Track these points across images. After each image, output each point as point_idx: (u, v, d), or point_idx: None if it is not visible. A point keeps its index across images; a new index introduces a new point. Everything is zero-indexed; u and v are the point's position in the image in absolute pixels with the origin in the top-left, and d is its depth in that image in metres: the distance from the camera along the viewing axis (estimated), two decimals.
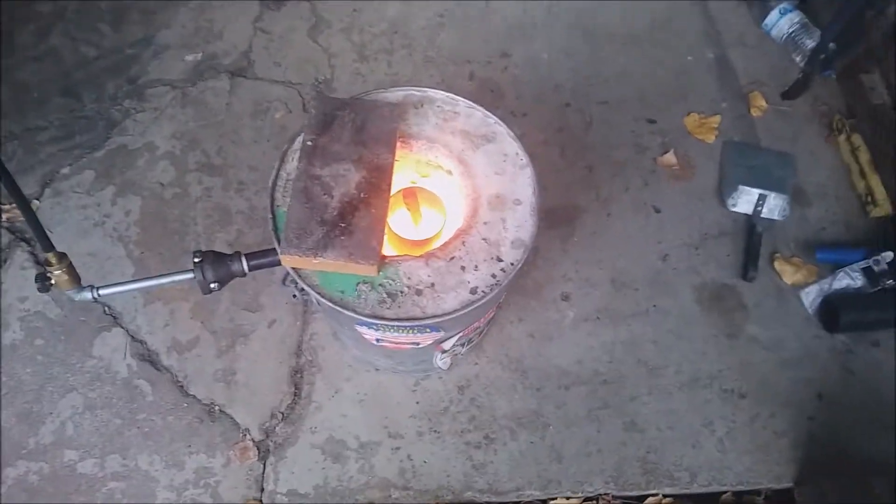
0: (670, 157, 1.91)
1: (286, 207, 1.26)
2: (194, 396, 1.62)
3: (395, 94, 1.40)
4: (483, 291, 1.20)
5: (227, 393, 1.62)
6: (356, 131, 1.29)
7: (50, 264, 1.30)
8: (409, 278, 1.21)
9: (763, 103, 2.00)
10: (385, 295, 1.20)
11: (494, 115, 1.37)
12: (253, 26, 2.11)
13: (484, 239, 1.25)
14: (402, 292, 1.20)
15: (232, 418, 1.60)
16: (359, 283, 1.20)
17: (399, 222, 1.37)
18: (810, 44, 2.02)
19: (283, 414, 1.60)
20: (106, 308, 1.71)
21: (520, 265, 1.23)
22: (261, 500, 1.52)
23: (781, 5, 2.06)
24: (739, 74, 2.07)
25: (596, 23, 2.15)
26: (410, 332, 1.24)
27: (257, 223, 1.81)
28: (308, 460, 1.55)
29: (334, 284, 1.20)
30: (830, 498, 1.47)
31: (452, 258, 1.23)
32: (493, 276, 1.22)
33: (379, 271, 1.19)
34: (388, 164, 1.26)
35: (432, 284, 1.21)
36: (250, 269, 1.40)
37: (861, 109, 1.91)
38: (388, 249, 1.32)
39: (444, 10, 2.15)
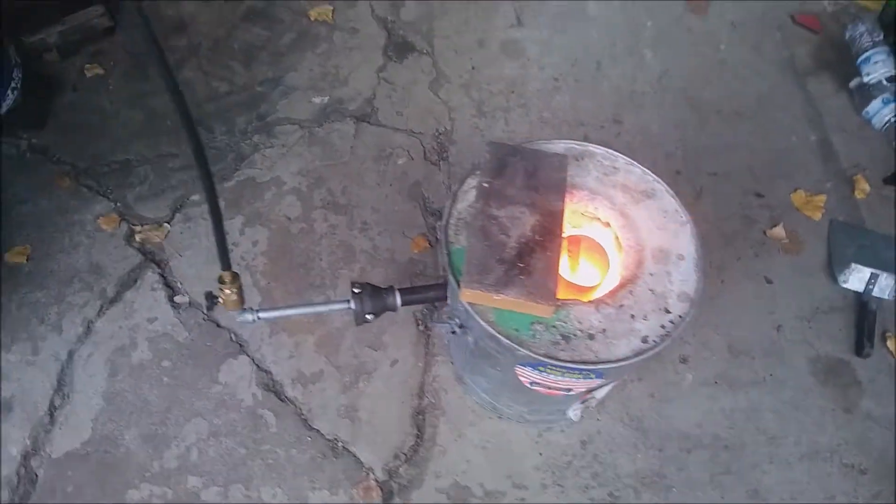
0: (780, 231, 1.97)
1: (460, 245, 1.31)
2: (318, 431, 1.62)
3: (557, 146, 1.46)
4: (654, 341, 1.23)
5: (350, 430, 1.62)
6: (528, 177, 1.34)
7: (223, 282, 1.33)
8: (580, 322, 1.24)
9: (867, 186, 2.07)
10: (559, 336, 1.22)
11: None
12: (377, 76, 2.21)
13: (651, 290, 1.28)
14: (575, 335, 1.23)
15: (355, 456, 1.59)
16: (533, 322, 1.23)
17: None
18: None
19: (406, 455, 1.60)
20: (233, 335, 1.73)
21: (688, 318, 1.26)
22: None
23: (884, 95, 2.15)
24: (841, 158, 2.14)
25: (703, 96, 2.24)
26: (577, 375, 1.26)
27: (380, 262, 1.85)
28: None
29: (509, 322, 1.23)
30: None
31: (622, 306, 1.26)
32: (663, 326, 1.25)
33: (553, 313, 1.22)
34: (559, 210, 1.31)
35: (604, 330, 1.24)
36: (402, 304, 1.44)
37: None
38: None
39: (559, 74, 2.25)
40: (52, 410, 1.60)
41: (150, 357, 1.68)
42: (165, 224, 1.87)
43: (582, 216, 1.45)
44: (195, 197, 1.92)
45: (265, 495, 1.53)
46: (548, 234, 1.27)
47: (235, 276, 1.36)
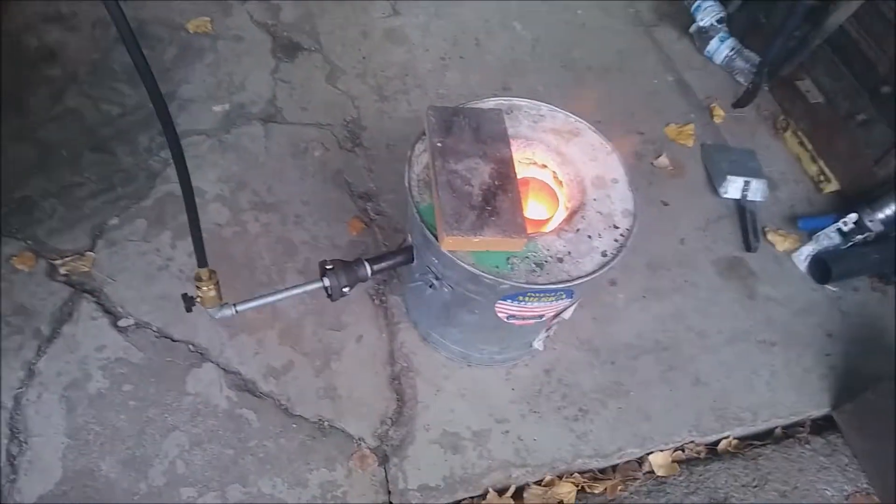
0: (664, 160, 2.24)
1: (426, 203, 1.40)
2: (301, 416, 1.64)
3: (487, 104, 1.59)
4: (612, 253, 1.40)
5: (332, 408, 1.66)
6: (473, 132, 1.46)
7: (201, 280, 1.35)
8: (548, 250, 1.38)
9: (721, 112, 2.41)
10: (534, 265, 1.36)
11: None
12: (272, 77, 2.22)
13: (598, 212, 1.46)
14: (546, 261, 1.36)
15: (343, 431, 1.63)
16: (508, 258, 1.35)
17: None
18: (745, 64, 2.48)
19: (391, 419, 1.66)
20: (191, 346, 1.69)
21: (635, 229, 1.44)
22: (389, 501, 1.56)
23: (719, 34, 2.50)
24: (696, 91, 2.47)
25: (573, 57, 2.49)
26: (552, 298, 1.40)
27: (322, 250, 1.89)
28: (430, 455, 1.61)
29: (488, 261, 1.34)
30: (861, 411, 1.76)
31: (578, 230, 1.42)
32: (615, 240, 1.42)
33: (524, 246, 1.35)
34: (508, 156, 1.44)
35: (569, 252, 1.39)
36: (373, 273, 1.51)
37: (798, 110, 2.36)
38: None
39: (444, 54, 2.40)
40: (10, 460, 1.49)
41: (107, 385, 1.61)
42: (89, 252, 1.79)
43: (520, 163, 1.59)
44: (114, 221, 1.85)
45: (265, 488, 1.53)
46: (504, 178, 1.40)
47: (212, 273, 1.37)
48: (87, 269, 1.76)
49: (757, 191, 2.17)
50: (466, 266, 1.32)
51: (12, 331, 1.65)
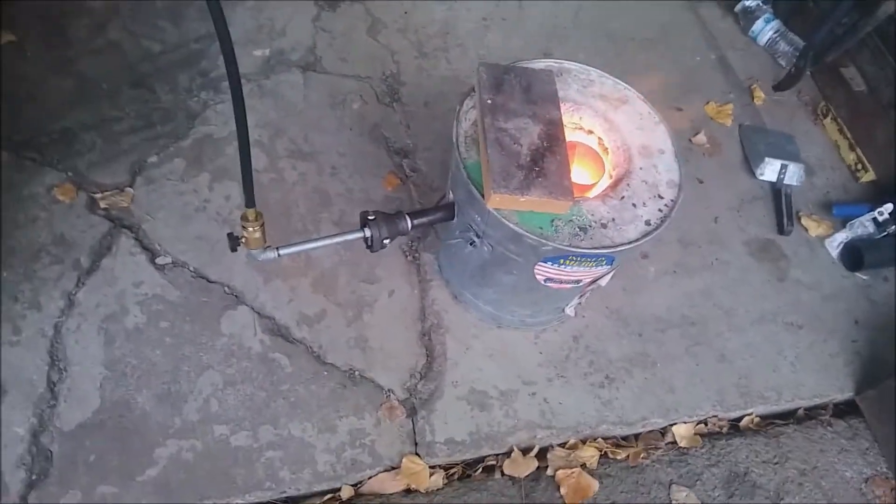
0: (701, 137, 2.22)
1: (473, 160, 1.40)
2: (332, 364, 1.65)
3: (538, 64, 1.57)
4: (656, 223, 1.40)
5: (363, 359, 1.67)
6: (524, 91, 1.45)
7: (248, 220, 1.35)
8: (592, 215, 1.38)
9: (762, 94, 2.38)
10: (577, 229, 1.36)
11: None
12: (313, 25, 2.20)
13: (644, 181, 1.45)
14: (590, 226, 1.37)
15: (373, 381, 1.65)
16: (553, 220, 1.36)
17: None
18: (788, 47, 2.44)
19: (420, 374, 1.68)
20: (226, 288, 1.71)
21: (679, 200, 1.44)
22: (416, 452, 1.58)
23: (765, 16, 2.47)
24: (738, 71, 2.44)
25: (615, 28, 2.45)
26: (592, 264, 1.40)
27: (357, 203, 1.89)
28: (457, 410, 1.64)
29: (533, 222, 1.34)
30: (883, 398, 1.77)
31: (623, 197, 1.42)
32: (660, 210, 1.42)
33: (569, 209, 1.35)
34: (558, 118, 1.43)
35: (613, 219, 1.39)
36: (413, 228, 1.52)
37: (840, 97, 2.33)
38: None
39: (486, 15, 2.37)
40: (51, 386, 1.52)
41: (144, 320, 1.63)
42: (128, 189, 1.79)
43: (566, 127, 1.58)
44: (153, 159, 1.85)
45: (295, 431, 1.56)
46: (553, 139, 1.39)
47: (259, 214, 1.37)
48: (126, 205, 1.77)
49: (794, 175, 2.16)
50: (511, 225, 1.33)
51: (52, 260, 1.66)
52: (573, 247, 1.33)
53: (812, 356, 1.88)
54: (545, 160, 1.36)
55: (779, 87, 2.41)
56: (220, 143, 1.91)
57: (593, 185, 1.51)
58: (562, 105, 1.52)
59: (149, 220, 1.76)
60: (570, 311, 1.69)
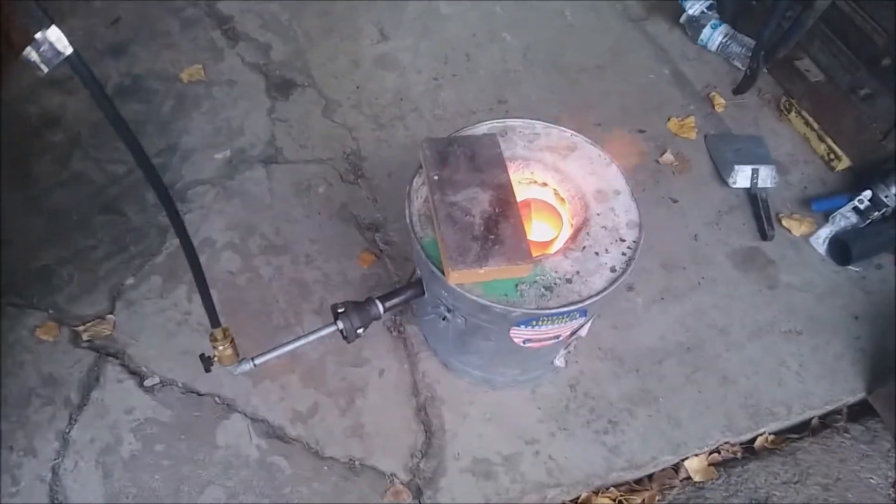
0: (668, 156, 2.22)
1: (430, 238, 1.40)
2: (332, 457, 1.64)
3: (480, 129, 1.59)
4: (620, 268, 1.39)
5: (362, 446, 1.66)
6: (469, 161, 1.46)
7: (216, 339, 1.36)
8: (556, 271, 1.38)
9: (722, 101, 2.37)
10: (543, 289, 1.35)
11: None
12: (269, 117, 2.24)
13: (603, 227, 1.45)
14: (556, 284, 1.36)
15: (375, 468, 1.64)
16: (517, 284, 1.35)
17: None
18: (740, 48, 2.44)
19: (421, 452, 1.66)
20: (216, 398, 1.71)
21: (641, 240, 1.43)
22: None
23: (711, 22, 2.47)
24: (694, 82, 2.44)
25: (565, 60, 2.47)
26: (565, 319, 1.39)
27: (336, 287, 1.90)
28: (463, 484, 1.61)
29: (497, 290, 1.34)
30: None
31: (585, 247, 1.41)
32: (623, 253, 1.41)
33: (532, 270, 1.35)
34: (506, 181, 1.44)
35: (577, 272, 1.38)
36: (385, 311, 1.52)
37: (800, 90, 2.32)
38: None
39: (436, 74, 2.40)
40: None
41: (140, 447, 1.63)
42: (109, 315, 1.81)
43: (520, 184, 1.59)
44: (130, 281, 1.88)
45: None
46: (504, 204, 1.40)
47: (226, 331, 1.38)
48: (108, 333, 1.79)
49: (767, 177, 2.14)
50: (475, 298, 1.32)
51: (44, 402, 1.68)
52: (541, 309, 1.33)
53: (816, 362, 1.84)
54: (500, 226, 1.36)
55: (738, 90, 2.40)
56: None
57: (554, 239, 1.50)
58: (511, 163, 1.53)
59: (133, 344, 1.78)
60: (559, 362, 1.68)
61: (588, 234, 1.43)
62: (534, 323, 1.38)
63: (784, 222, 2.09)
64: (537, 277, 1.36)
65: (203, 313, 1.80)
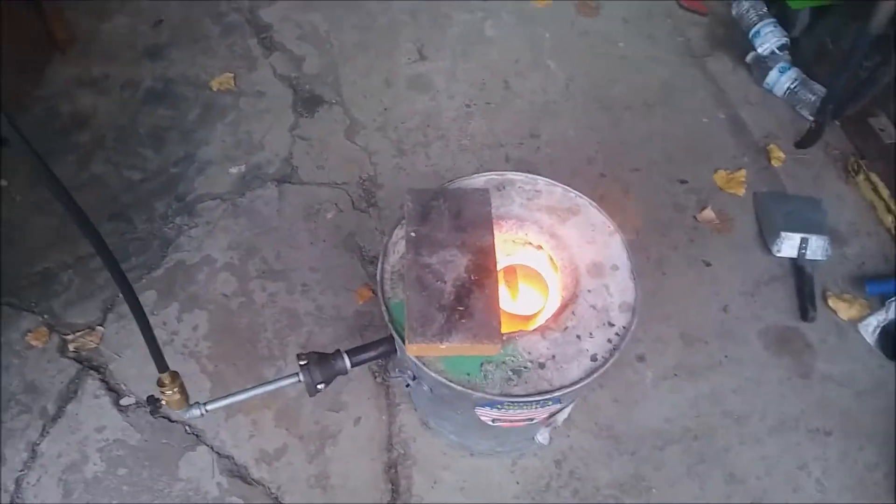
0: (709, 213, 2.01)
1: (398, 299, 1.30)
2: None
3: (478, 180, 1.46)
4: (603, 357, 1.24)
5: (323, 498, 1.58)
6: (454, 218, 1.34)
7: (163, 385, 1.30)
8: (529, 353, 1.24)
9: (781, 154, 2.14)
10: (510, 372, 1.22)
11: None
12: (290, 134, 2.19)
13: (592, 306, 1.30)
14: (525, 368, 1.22)
15: None
16: (483, 363, 1.22)
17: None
18: (810, 96, 2.19)
19: None
20: (187, 427, 1.67)
21: (632, 327, 1.27)
22: None
23: (780, 65, 2.24)
24: (752, 130, 2.22)
25: (611, 95, 2.30)
26: (534, 406, 1.26)
27: (327, 322, 1.82)
28: None
29: (459, 368, 1.22)
30: None
31: (566, 328, 1.27)
32: (609, 340, 1.26)
33: (501, 350, 1.22)
34: (489, 245, 1.31)
35: (553, 356, 1.24)
36: (353, 366, 1.42)
37: (872, 150, 2.06)
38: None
39: (470, 100, 2.28)
40: None
41: (103, 468, 1.61)
42: (99, 327, 1.81)
43: (514, 243, 1.46)
44: None
45: None
46: (482, 271, 1.27)
47: (175, 375, 1.32)
48: (95, 345, 1.78)
49: (818, 249, 1.90)
50: (433, 374, 1.21)
51: (21, 410, 1.69)
52: (504, 396, 1.20)
53: (843, 469, 1.62)
54: (472, 297, 1.24)
55: (801, 143, 2.16)
56: (191, 270, 1.90)
57: (537, 313, 1.36)
58: (503, 223, 1.41)
59: (116, 360, 1.76)
60: (541, 439, 1.53)
61: (574, 312, 1.29)
62: (499, 406, 1.25)
63: (831, 302, 1.85)
64: (506, 358, 1.23)
65: (190, 335, 1.81)
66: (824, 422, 1.68)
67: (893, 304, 1.79)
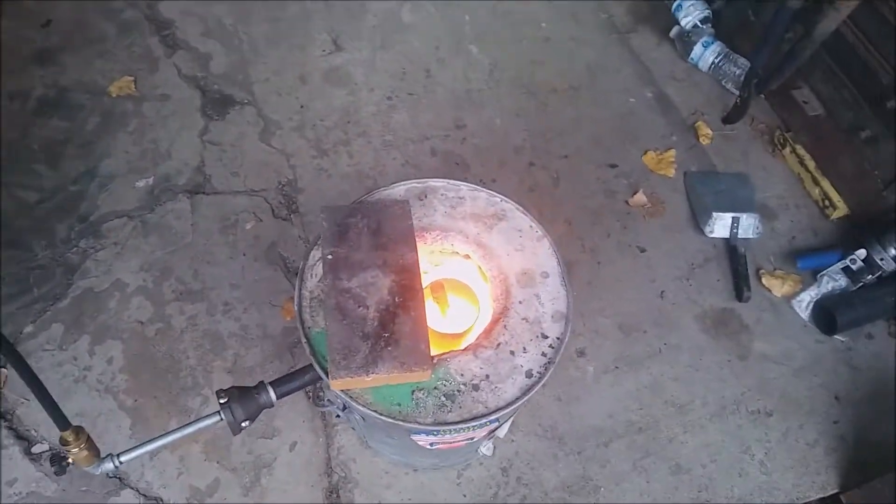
0: (640, 197, 1.98)
1: (320, 328, 1.21)
2: None
3: (397, 190, 1.38)
4: (538, 373, 1.18)
5: None
6: (373, 235, 1.26)
7: (67, 443, 1.18)
8: (461, 375, 1.18)
9: (709, 131, 2.12)
10: (443, 398, 1.15)
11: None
12: (200, 140, 2.04)
13: (524, 319, 1.24)
14: (459, 391, 1.16)
15: None
16: (413, 390, 1.16)
17: (428, 316, 1.33)
18: (735, 70, 2.18)
19: None
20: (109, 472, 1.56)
21: (566, 338, 1.22)
22: None
23: (703, 39, 2.20)
24: (679, 107, 2.19)
25: (536, 79, 2.23)
26: (472, 429, 1.20)
27: (253, 342, 1.72)
28: None
29: (389, 398, 1.14)
30: (871, 500, 1.51)
31: (499, 345, 1.21)
32: (543, 354, 1.21)
33: (431, 375, 1.15)
34: (413, 262, 1.23)
35: (487, 376, 1.18)
36: (279, 398, 1.33)
37: (797, 122, 2.06)
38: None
39: (391, 92, 2.17)
40: None
41: None
42: (2, 369, 1.66)
43: (441, 253, 1.38)
44: (28, 328, 1.71)
45: None
46: (407, 291, 1.19)
47: (79, 431, 1.20)
48: None
49: (749, 227, 1.90)
50: (361, 407, 1.13)
51: None
52: (438, 424, 1.13)
53: (785, 449, 1.63)
54: (397, 321, 1.16)
55: (727, 119, 2.15)
56: (101, 297, 1.76)
57: (467, 330, 1.30)
58: (427, 234, 1.33)
59: (23, 404, 1.62)
60: (485, 451, 1.48)
61: (506, 327, 1.22)
62: (434, 433, 1.19)
63: (764, 280, 1.85)
64: (438, 383, 1.16)
65: (105, 369, 1.68)
66: (764, 402, 1.69)
67: (825, 278, 1.81)
